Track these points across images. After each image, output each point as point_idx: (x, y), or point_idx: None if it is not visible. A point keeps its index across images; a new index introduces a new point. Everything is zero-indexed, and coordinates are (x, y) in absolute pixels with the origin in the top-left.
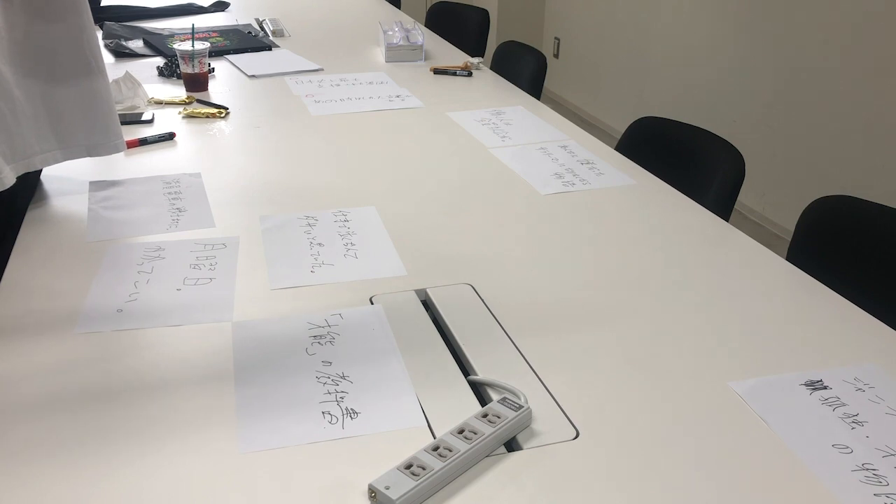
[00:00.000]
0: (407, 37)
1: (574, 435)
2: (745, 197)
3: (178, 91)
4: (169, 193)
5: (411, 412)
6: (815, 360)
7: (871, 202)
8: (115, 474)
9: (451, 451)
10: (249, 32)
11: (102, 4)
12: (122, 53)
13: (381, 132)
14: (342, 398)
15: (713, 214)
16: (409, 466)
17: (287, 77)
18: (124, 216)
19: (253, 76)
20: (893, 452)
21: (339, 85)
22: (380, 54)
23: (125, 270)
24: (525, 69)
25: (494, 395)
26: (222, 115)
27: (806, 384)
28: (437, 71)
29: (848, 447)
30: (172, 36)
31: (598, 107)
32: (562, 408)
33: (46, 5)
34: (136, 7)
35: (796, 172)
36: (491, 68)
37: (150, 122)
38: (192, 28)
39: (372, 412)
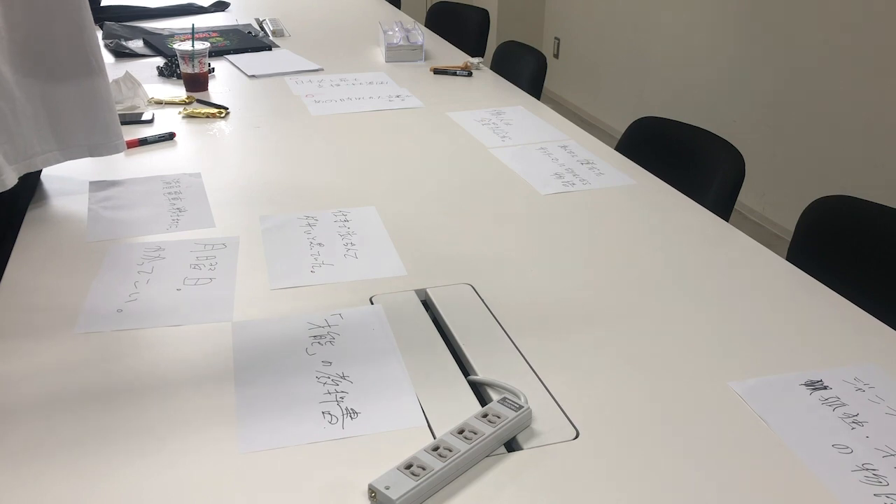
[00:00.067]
0: (407, 37)
1: (574, 435)
2: (745, 197)
3: (178, 91)
4: (169, 193)
5: (411, 412)
6: (815, 360)
7: (871, 202)
8: (115, 474)
9: (451, 451)
10: (249, 32)
11: (102, 4)
12: (122, 53)
13: (381, 132)
14: (342, 398)
15: (713, 214)
16: (409, 466)
17: (287, 77)
18: (124, 216)
19: (253, 76)
20: (893, 452)
21: (339, 85)
22: (380, 54)
23: (125, 270)
24: (525, 69)
25: (494, 395)
26: (222, 115)
27: (806, 384)
28: (437, 71)
29: (848, 447)
30: (172, 36)
31: (598, 107)
32: (562, 408)
33: (46, 5)
34: (136, 7)
35: (796, 172)
36: (491, 68)
37: (150, 122)
38: (192, 28)
39: (372, 412)
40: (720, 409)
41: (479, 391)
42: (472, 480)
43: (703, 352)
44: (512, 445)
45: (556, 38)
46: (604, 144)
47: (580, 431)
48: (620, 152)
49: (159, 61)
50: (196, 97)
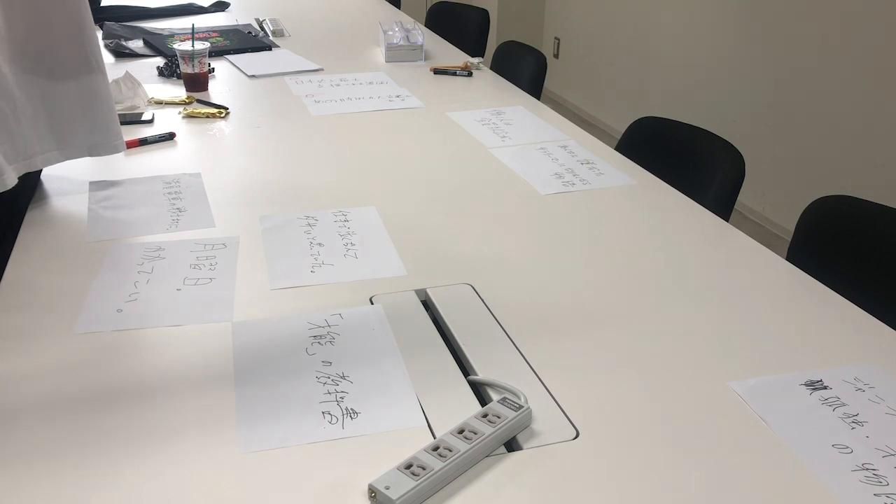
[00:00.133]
0: (407, 37)
1: (574, 435)
2: (745, 197)
3: (178, 91)
4: (169, 193)
5: (411, 412)
6: (815, 360)
7: (871, 202)
8: (115, 474)
9: (451, 451)
10: (249, 32)
11: (102, 4)
12: (122, 53)
13: (381, 132)
14: (342, 398)
15: (713, 214)
16: (409, 466)
17: (287, 77)
18: (124, 216)
19: (253, 76)
20: (893, 452)
21: (339, 85)
22: (380, 54)
23: (125, 270)
24: (525, 69)
25: (494, 395)
26: (222, 115)
27: (806, 384)
28: (437, 71)
29: (848, 447)
30: (172, 36)
31: (598, 107)
32: (562, 408)
33: (46, 4)
34: (136, 7)
35: (796, 172)
36: (491, 68)
37: (150, 122)
38: (192, 28)
39: (372, 412)
40: (720, 409)
41: (479, 391)
42: (472, 480)
43: (703, 352)
44: (512, 445)
45: (556, 38)
46: (604, 144)
47: (580, 431)
48: (620, 152)
49: (159, 61)
50: (196, 97)
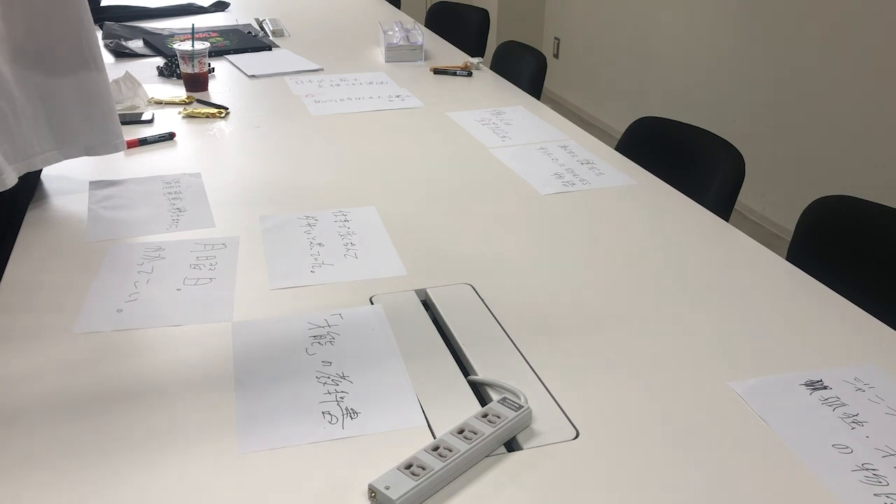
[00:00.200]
0: (407, 37)
1: (574, 435)
2: (745, 197)
3: (178, 91)
4: (169, 193)
5: (411, 412)
6: (815, 360)
7: (871, 202)
8: (115, 474)
9: (451, 451)
10: (249, 32)
11: (102, 4)
12: (122, 53)
13: (381, 132)
14: (342, 398)
15: (713, 214)
16: (409, 466)
17: (287, 77)
18: (124, 216)
19: (253, 76)
20: (893, 452)
21: (339, 85)
22: (380, 54)
23: (125, 270)
24: (525, 69)
25: (494, 395)
26: (222, 115)
27: (806, 384)
28: (437, 71)
29: (848, 447)
30: (172, 36)
31: (598, 107)
32: (562, 408)
33: (46, 4)
34: (136, 7)
35: (796, 172)
36: (491, 68)
37: (150, 122)
38: (192, 28)
39: (372, 412)
40: (720, 409)
41: (479, 391)
42: (472, 480)
43: (703, 352)
44: (512, 445)
45: (556, 38)
46: (604, 144)
47: (580, 431)
48: (620, 152)
49: (159, 61)
50: (196, 97)
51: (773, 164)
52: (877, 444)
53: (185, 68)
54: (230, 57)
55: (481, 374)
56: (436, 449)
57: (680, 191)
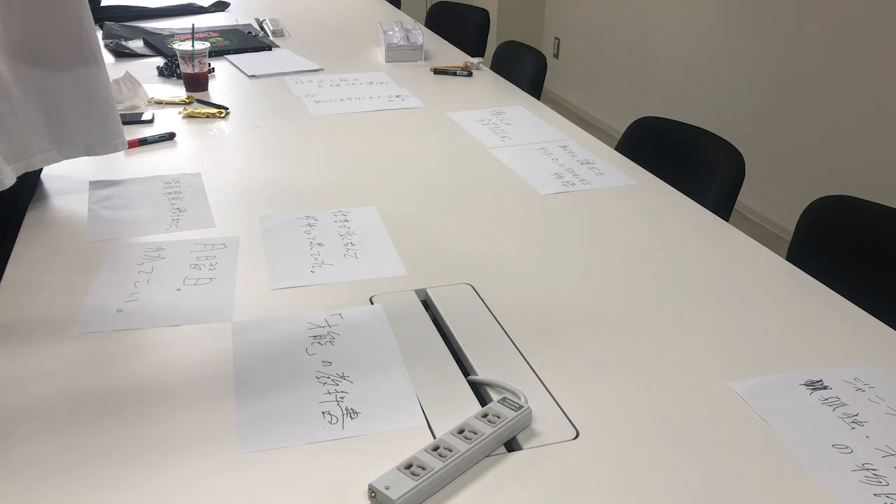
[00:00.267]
0: (407, 37)
1: (574, 435)
2: (745, 197)
3: (178, 91)
4: (169, 193)
5: (411, 412)
6: (815, 360)
7: (871, 202)
8: (114, 474)
9: (451, 451)
10: (249, 32)
11: (102, 4)
12: (122, 53)
13: (381, 132)
14: (342, 398)
15: (713, 214)
16: (409, 466)
17: (287, 77)
18: (124, 216)
19: (253, 76)
20: (893, 452)
21: (339, 85)
22: (380, 54)
23: (125, 270)
24: (525, 69)
25: (494, 395)
26: (222, 115)
27: (806, 384)
28: (437, 71)
29: (848, 447)
30: (172, 36)
31: (598, 107)
32: (562, 408)
33: (45, 3)
34: (136, 7)
35: (796, 172)
36: (491, 68)
37: (150, 122)
38: (192, 28)
39: (372, 412)
40: (720, 409)
41: (479, 391)
42: (472, 480)
43: (703, 352)
44: (512, 445)
45: (556, 38)
46: (604, 144)
47: (580, 431)
48: (620, 152)
49: (159, 61)
50: (196, 97)
51: (773, 164)
52: (877, 444)
53: (185, 68)
54: (230, 57)
55: (481, 374)
56: (436, 449)
57: (680, 191)
